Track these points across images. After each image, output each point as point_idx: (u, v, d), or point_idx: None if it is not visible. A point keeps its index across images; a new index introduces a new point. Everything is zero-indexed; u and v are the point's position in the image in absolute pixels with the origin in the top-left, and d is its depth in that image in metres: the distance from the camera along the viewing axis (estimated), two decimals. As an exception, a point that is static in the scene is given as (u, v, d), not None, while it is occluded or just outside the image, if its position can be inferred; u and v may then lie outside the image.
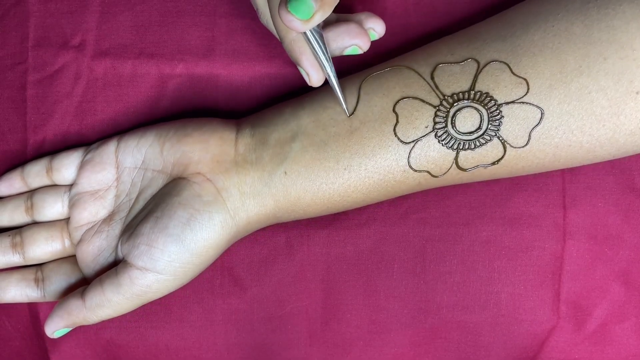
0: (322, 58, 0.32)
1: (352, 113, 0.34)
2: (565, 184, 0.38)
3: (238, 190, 0.34)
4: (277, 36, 0.33)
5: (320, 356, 0.39)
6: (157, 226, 0.33)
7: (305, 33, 0.32)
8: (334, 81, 0.33)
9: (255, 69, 0.39)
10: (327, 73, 0.33)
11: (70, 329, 0.36)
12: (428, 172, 0.33)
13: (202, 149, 0.35)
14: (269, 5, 0.32)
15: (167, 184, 0.35)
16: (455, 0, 0.38)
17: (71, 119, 0.40)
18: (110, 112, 0.40)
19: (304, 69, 0.33)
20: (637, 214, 0.38)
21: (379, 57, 0.39)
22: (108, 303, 0.34)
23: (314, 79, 0.33)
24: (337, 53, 0.34)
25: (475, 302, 0.38)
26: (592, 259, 0.38)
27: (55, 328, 0.35)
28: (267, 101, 0.39)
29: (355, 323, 0.39)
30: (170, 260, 0.33)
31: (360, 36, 0.33)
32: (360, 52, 0.34)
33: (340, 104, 0.34)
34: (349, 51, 0.34)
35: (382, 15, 0.38)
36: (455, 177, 0.34)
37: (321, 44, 0.32)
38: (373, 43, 0.38)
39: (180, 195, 0.34)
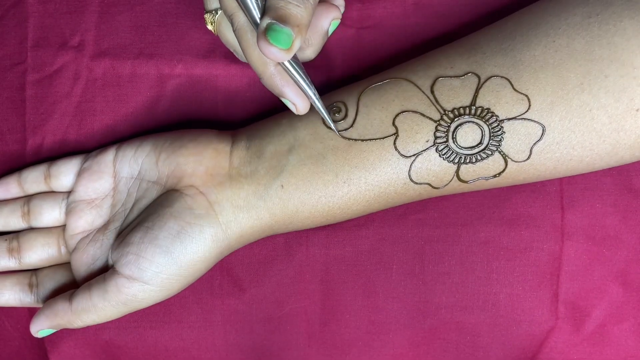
0: (303, 84, 0.32)
1: (351, 126, 0.34)
2: (563, 185, 0.38)
3: (231, 204, 0.34)
4: (256, 71, 0.32)
5: (319, 357, 0.39)
6: (147, 236, 0.33)
7: (283, 62, 0.31)
8: (319, 105, 0.33)
9: (254, 70, 0.39)
10: (311, 97, 0.32)
11: (55, 330, 0.36)
12: (429, 184, 0.33)
13: (196, 161, 0.35)
14: (239, 44, 0.31)
15: (160, 195, 0.35)
16: (454, 2, 0.38)
17: (70, 119, 0.40)
18: (109, 113, 0.40)
19: (289, 100, 0.32)
20: (635, 214, 0.38)
21: (378, 57, 0.39)
22: (94, 308, 0.34)
23: (301, 107, 0.32)
24: (325, 38, 0.34)
25: (474, 302, 0.38)
26: (590, 259, 0.38)
27: (40, 327, 0.35)
28: (266, 102, 0.39)
29: (354, 324, 0.39)
30: (157, 271, 0.33)
31: (333, 9, 0.33)
32: (338, 22, 0.34)
33: (330, 126, 0.33)
34: (331, 29, 0.34)
35: (381, 16, 0.39)
36: (456, 188, 0.34)
37: (299, 69, 0.31)
38: (372, 44, 0.39)
39: (172, 206, 0.34)
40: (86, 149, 0.40)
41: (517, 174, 0.33)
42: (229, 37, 0.35)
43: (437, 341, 0.39)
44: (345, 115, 0.34)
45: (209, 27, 0.35)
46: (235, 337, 0.39)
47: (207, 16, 0.35)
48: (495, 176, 0.33)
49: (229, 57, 0.39)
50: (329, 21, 0.33)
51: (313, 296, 0.39)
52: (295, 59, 0.31)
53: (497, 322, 0.38)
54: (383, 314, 0.38)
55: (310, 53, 0.34)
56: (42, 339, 0.40)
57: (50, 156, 0.40)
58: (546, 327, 0.38)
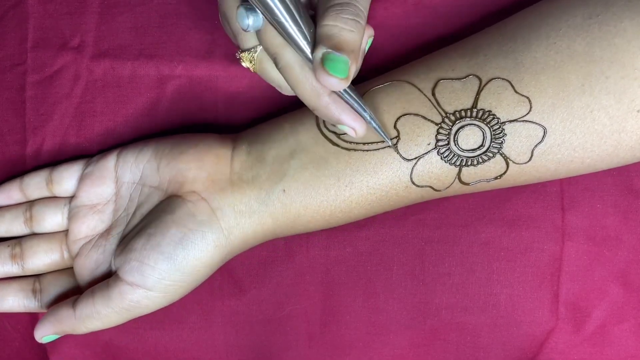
0: (358, 108, 0.31)
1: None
2: (563, 185, 0.38)
3: (233, 210, 0.34)
4: (308, 105, 0.31)
5: (320, 358, 0.39)
6: (149, 243, 0.34)
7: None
8: (375, 126, 0.32)
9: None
10: (367, 119, 0.31)
11: (59, 336, 0.36)
12: (431, 186, 0.33)
13: (197, 167, 0.35)
14: (287, 81, 0.30)
15: (162, 201, 0.35)
16: (454, 2, 0.38)
17: (70, 120, 0.40)
18: (110, 113, 0.40)
19: (347, 126, 0.31)
20: (636, 215, 0.38)
21: (378, 57, 0.39)
22: (97, 315, 0.34)
23: (360, 131, 0.31)
24: (363, 57, 0.32)
25: (474, 303, 0.38)
26: (591, 260, 0.38)
27: (44, 334, 0.36)
28: (266, 103, 0.39)
29: (354, 325, 0.39)
30: (160, 277, 0.33)
31: (368, 27, 0.32)
32: (372, 40, 0.33)
33: (389, 144, 0.32)
34: (367, 47, 0.32)
35: (381, 16, 0.39)
36: (457, 190, 0.34)
37: (352, 92, 0.30)
38: (373, 44, 0.39)
39: (174, 213, 0.34)
40: (86, 150, 0.40)
41: (518, 175, 0.33)
42: (272, 74, 0.33)
43: (438, 342, 0.39)
44: None
45: (246, 64, 0.34)
46: (235, 338, 0.39)
47: (244, 55, 0.33)
48: (496, 178, 0.33)
49: (229, 57, 0.39)
50: (366, 39, 0.32)
51: (313, 297, 0.39)
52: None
53: (497, 322, 0.38)
54: (383, 314, 0.38)
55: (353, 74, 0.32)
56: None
57: (51, 157, 0.40)
58: (546, 328, 0.38)
